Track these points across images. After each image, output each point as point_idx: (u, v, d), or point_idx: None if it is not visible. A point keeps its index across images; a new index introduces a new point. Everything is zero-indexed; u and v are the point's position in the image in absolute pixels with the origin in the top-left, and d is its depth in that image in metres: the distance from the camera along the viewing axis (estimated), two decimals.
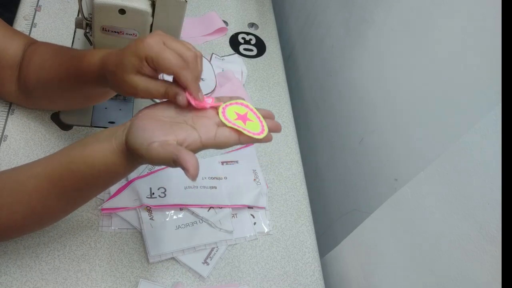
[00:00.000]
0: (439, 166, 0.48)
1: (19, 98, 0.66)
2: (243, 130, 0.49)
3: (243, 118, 0.51)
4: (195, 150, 0.47)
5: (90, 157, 0.48)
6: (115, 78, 0.49)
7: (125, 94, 0.49)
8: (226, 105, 0.51)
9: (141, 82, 0.48)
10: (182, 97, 0.49)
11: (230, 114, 0.51)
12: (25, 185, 0.50)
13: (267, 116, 0.53)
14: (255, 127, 0.51)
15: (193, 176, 0.43)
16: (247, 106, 0.53)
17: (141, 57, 0.47)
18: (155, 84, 0.49)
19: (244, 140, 0.50)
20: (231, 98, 0.53)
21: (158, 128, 0.47)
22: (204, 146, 0.48)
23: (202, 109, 0.50)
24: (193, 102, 0.49)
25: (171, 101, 0.50)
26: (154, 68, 0.48)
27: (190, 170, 0.43)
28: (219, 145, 0.49)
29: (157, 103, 0.51)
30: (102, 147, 0.48)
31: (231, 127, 0.49)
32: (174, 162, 0.44)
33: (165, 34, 0.49)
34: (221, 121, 0.49)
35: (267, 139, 0.50)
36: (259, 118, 0.52)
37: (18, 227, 0.54)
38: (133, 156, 0.48)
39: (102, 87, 0.55)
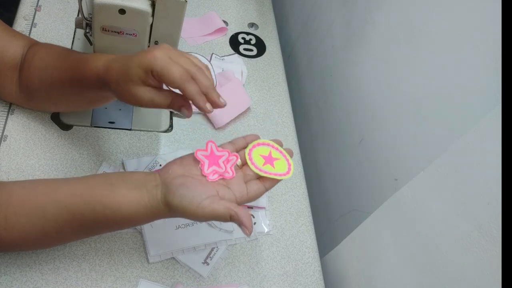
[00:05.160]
0: (439, 166, 0.48)
1: (20, 100, 0.66)
2: (276, 176, 0.50)
3: (270, 160, 0.52)
4: None
5: (116, 204, 0.48)
6: (119, 88, 0.49)
7: (130, 103, 0.49)
8: (251, 153, 0.51)
9: (146, 93, 0.48)
10: (188, 111, 0.49)
11: (258, 160, 0.51)
12: (44, 211, 0.49)
13: (280, 145, 0.54)
14: (282, 165, 0.52)
15: (250, 231, 0.45)
16: (267, 144, 0.53)
17: (146, 70, 0.46)
18: (160, 96, 0.49)
19: (270, 186, 0.51)
20: (245, 139, 0.54)
21: (200, 185, 0.48)
22: (238, 204, 0.49)
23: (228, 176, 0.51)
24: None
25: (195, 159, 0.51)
26: (159, 80, 0.48)
27: (248, 226, 0.45)
28: (251, 200, 0.50)
29: (181, 158, 0.51)
30: (131, 197, 0.48)
31: (263, 176, 0.51)
32: (231, 217, 0.45)
33: (171, 48, 0.49)
34: (255, 172, 0.51)
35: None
36: (282, 153, 0.53)
37: (28, 246, 0.54)
38: (170, 212, 0.48)
39: (104, 92, 0.54)
